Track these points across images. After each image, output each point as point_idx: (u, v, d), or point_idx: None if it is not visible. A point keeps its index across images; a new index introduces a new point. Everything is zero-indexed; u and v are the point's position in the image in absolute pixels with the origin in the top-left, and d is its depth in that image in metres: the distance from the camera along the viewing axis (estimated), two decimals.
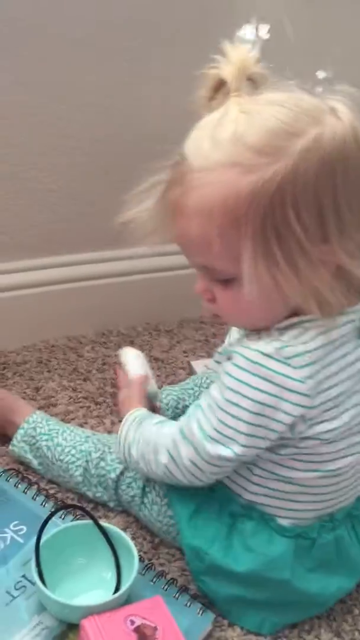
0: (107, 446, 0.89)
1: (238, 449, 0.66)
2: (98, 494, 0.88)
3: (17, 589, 0.75)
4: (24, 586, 0.75)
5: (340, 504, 0.74)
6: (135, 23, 1.11)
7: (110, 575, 0.75)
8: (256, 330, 0.67)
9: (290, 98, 0.60)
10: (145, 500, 0.83)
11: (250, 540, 0.72)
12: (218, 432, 0.66)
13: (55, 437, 0.92)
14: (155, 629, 0.67)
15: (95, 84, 1.13)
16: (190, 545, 0.75)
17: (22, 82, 1.08)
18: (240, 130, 0.59)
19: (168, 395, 1.03)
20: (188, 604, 0.75)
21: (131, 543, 0.75)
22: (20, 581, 0.76)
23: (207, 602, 0.76)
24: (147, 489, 0.83)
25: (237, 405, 0.65)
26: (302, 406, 0.64)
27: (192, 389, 1.03)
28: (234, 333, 0.77)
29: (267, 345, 0.63)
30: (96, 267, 1.27)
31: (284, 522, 0.72)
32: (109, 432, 1.03)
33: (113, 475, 0.86)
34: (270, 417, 0.64)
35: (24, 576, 0.77)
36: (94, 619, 0.67)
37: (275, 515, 0.73)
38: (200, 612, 0.75)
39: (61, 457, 0.90)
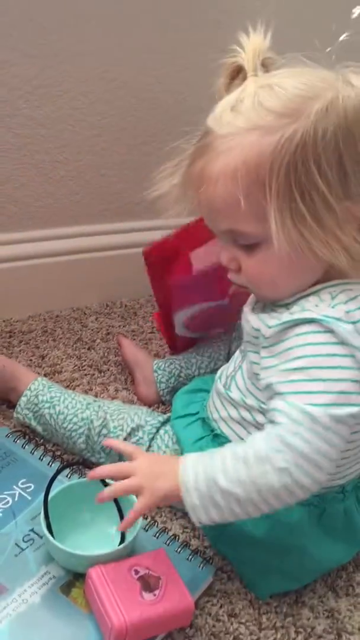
0: (108, 413, 0.90)
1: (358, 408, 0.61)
2: (102, 460, 0.91)
3: (25, 542, 0.78)
4: (32, 539, 0.78)
5: (351, 476, 0.76)
6: None
7: (114, 530, 0.78)
8: (281, 303, 0.67)
9: (305, 71, 0.63)
10: None
11: None
12: (333, 393, 0.61)
13: (57, 405, 0.94)
14: (158, 578, 0.70)
15: (104, 58, 1.14)
16: None
17: (31, 54, 1.09)
18: (259, 99, 0.62)
19: (171, 364, 1.06)
20: (189, 558, 0.78)
21: (135, 498, 0.78)
22: (29, 534, 0.79)
23: (208, 557, 0.79)
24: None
25: (332, 367, 0.62)
26: None
27: (195, 357, 1.06)
28: (250, 316, 0.73)
29: (334, 310, 0.63)
30: (101, 239, 1.29)
31: None
32: (113, 398, 1.06)
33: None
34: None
35: (32, 530, 0.79)
36: (99, 568, 0.70)
37: None
38: (201, 566, 0.78)
39: (64, 425, 0.92)
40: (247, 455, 0.62)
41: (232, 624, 0.74)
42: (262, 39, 0.64)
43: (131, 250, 1.31)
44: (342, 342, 0.62)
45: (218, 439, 0.79)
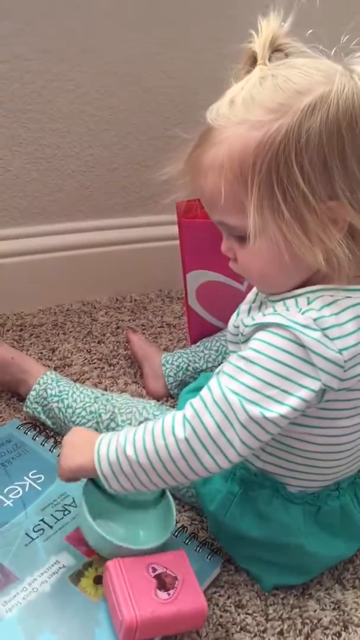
0: (116, 407, 0.91)
1: (282, 409, 0.62)
2: None
3: (35, 532, 0.79)
4: (42, 529, 0.80)
5: (347, 474, 0.77)
6: None
7: (142, 533, 0.78)
8: (276, 296, 0.67)
9: (310, 62, 0.62)
10: None
11: (265, 508, 0.74)
12: (258, 392, 0.62)
13: (66, 399, 0.94)
14: (175, 578, 0.70)
15: (116, 53, 1.15)
16: (208, 510, 0.78)
17: (43, 49, 1.10)
18: (253, 92, 0.61)
19: (179, 357, 1.06)
20: (198, 550, 0.79)
21: (170, 497, 0.78)
22: (39, 524, 0.80)
23: (216, 548, 0.80)
24: None
25: (273, 371, 0.62)
26: (336, 377, 0.63)
27: (203, 351, 1.06)
28: (243, 312, 0.74)
29: (302, 316, 0.62)
30: (111, 233, 1.30)
31: (293, 490, 0.75)
32: (122, 391, 1.07)
33: None
34: (301, 383, 0.62)
35: (42, 520, 0.81)
36: (118, 561, 0.71)
37: (286, 483, 0.75)
38: (209, 557, 0.78)
39: (72, 419, 0.93)
40: (155, 427, 0.66)
41: (239, 614, 0.75)
42: (277, 25, 0.63)
43: (141, 245, 1.32)
44: (303, 348, 0.61)
45: None
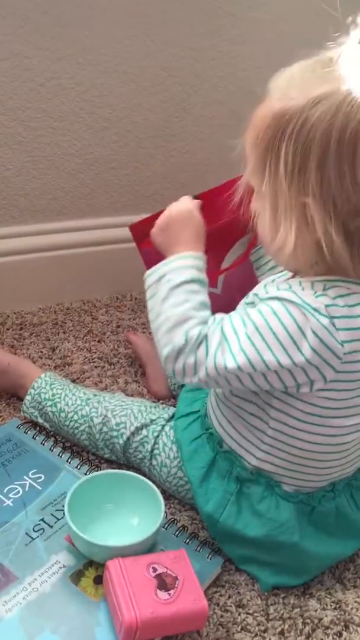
0: (109, 410, 0.90)
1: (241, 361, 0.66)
2: (106, 455, 0.91)
3: (35, 531, 0.79)
4: (42, 529, 0.79)
5: (343, 475, 0.77)
6: None
7: (137, 521, 0.79)
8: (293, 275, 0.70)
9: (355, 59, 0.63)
10: (154, 462, 0.86)
11: (258, 506, 0.75)
12: (245, 357, 0.65)
13: (58, 403, 0.93)
14: (175, 578, 0.70)
15: (116, 51, 1.14)
16: (204, 511, 0.78)
17: (43, 47, 1.09)
18: (308, 66, 0.64)
19: None
20: (198, 549, 0.79)
21: (157, 490, 0.79)
22: (39, 524, 0.80)
23: (217, 547, 0.80)
24: (155, 452, 0.85)
25: (275, 327, 0.65)
26: (331, 366, 0.65)
27: None
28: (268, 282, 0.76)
29: (315, 299, 0.64)
30: (111, 232, 1.29)
31: (288, 489, 0.75)
32: (123, 390, 1.07)
33: (120, 440, 0.88)
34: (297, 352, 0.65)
35: (42, 519, 0.81)
36: (118, 561, 0.71)
37: (281, 482, 0.75)
38: (210, 557, 0.78)
39: (66, 423, 0.92)
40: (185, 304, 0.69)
41: (239, 614, 0.75)
42: None
43: None
44: (302, 329, 0.64)
45: (212, 439, 0.80)
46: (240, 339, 0.66)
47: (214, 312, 0.72)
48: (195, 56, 1.20)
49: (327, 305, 0.64)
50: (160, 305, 0.71)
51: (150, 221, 0.90)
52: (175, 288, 0.70)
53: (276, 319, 0.65)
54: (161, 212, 0.88)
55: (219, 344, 0.67)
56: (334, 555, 0.79)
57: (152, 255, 0.82)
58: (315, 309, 0.64)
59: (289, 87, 0.63)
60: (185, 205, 0.78)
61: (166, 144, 1.26)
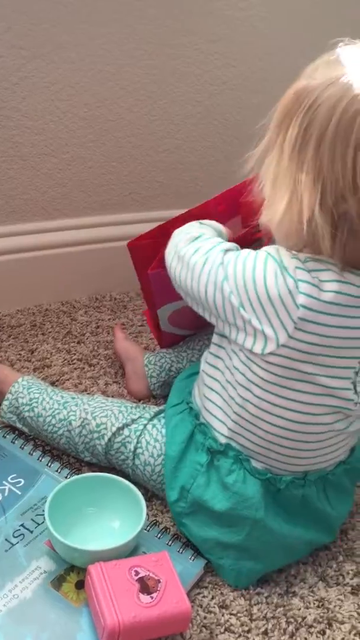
0: (88, 412, 0.89)
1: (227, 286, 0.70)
2: (87, 458, 0.90)
3: (15, 537, 0.78)
4: (22, 534, 0.78)
5: (315, 466, 0.77)
6: None
7: (118, 524, 0.78)
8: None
9: None
10: (137, 462, 0.85)
11: (226, 479, 0.76)
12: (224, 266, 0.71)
13: (36, 407, 0.92)
14: (158, 581, 0.70)
15: (91, 49, 1.13)
16: (177, 486, 0.78)
17: (17, 45, 1.08)
18: (332, 58, 0.65)
19: (162, 358, 1.05)
20: (181, 551, 0.78)
21: (139, 492, 0.78)
22: (19, 529, 0.79)
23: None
24: (138, 451, 0.85)
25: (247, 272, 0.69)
26: (284, 327, 0.67)
27: (185, 351, 1.05)
28: None
29: (289, 260, 0.68)
30: (89, 231, 1.28)
31: (258, 465, 0.76)
32: (103, 392, 1.06)
33: (102, 442, 0.87)
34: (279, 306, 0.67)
35: (22, 525, 0.79)
36: (100, 565, 0.70)
37: (250, 457, 0.76)
38: (193, 558, 0.78)
39: (44, 427, 0.91)
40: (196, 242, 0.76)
41: (223, 615, 0.74)
42: None
43: (120, 243, 1.29)
44: (269, 278, 0.67)
45: (192, 413, 0.81)
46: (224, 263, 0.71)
47: (207, 322, 0.74)
48: (171, 54, 1.19)
49: (297, 268, 0.67)
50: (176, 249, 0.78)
51: (148, 238, 0.90)
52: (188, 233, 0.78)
53: (252, 261, 0.69)
54: (157, 228, 0.88)
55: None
56: (296, 537, 0.78)
57: (163, 278, 0.83)
58: (285, 267, 0.67)
59: (316, 69, 0.65)
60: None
61: (143, 143, 1.25)
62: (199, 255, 0.74)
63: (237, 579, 0.78)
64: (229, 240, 0.80)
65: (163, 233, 0.89)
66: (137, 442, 0.85)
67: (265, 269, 0.68)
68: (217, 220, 0.85)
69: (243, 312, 0.69)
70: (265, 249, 0.70)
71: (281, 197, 0.66)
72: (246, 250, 0.72)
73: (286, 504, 0.77)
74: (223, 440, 0.77)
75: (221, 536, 0.77)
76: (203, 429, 0.79)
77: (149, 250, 0.90)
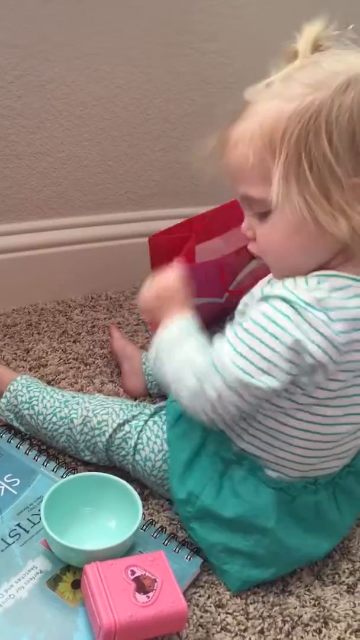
0: (90, 410, 0.89)
1: (271, 381, 0.65)
2: (87, 457, 0.90)
3: (11, 537, 0.78)
4: (18, 534, 0.78)
5: (326, 471, 0.77)
6: None
7: (114, 524, 0.78)
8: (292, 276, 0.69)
9: (348, 52, 0.64)
10: (138, 457, 0.85)
11: (238, 487, 0.75)
12: (251, 363, 0.66)
13: (36, 405, 0.92)
14: (154, 581, 0.69)
15: (86, 47, 1.13)
16: (185, 490, 0.78)
17: (12, 44, 1.08)
18: (292, 72, 0.64)
19: None
20: (177, 550, 0.78)
21: (135, 492, 0.78)
22: (15, 529, 0.79)
23: (195, 548, 0.79)
24: (139, 446, 0.85)
25: (270, 340, 0.65)
26: (331, 359, 0.64)
27: None
28: (256, 289, 0.76)
29: (308, 294, 0.64)
30: (85, 231, 1.28)
31: (271, 474, 0.76)
32: (99, 391, 1.06)
33: (103, 438, 0.87)
34: (301, 353, 0.64)
35: (18, 525, 0.79)
36: (96, 565, 0.70)
37: (264, 466, 0.76)
38: (189, 558, 0.78)
39: (44, 426, 0.91)
40: (195, 361, 0.70)
41: (219, 614, 0.74)
42: (321, 26, 0.65)
43: (116, 242, 1.31)
44: (300, 326, 0.63)
45: (213, 437, 0.79)
46: (237, 348, 0.67)
47: (214, 315, 0.72)
48: (167, 53, 1.19)
49: (320, 299, 0.64)
50: (167, 361, 0.73)
51: (168, 233, 0.90)
52: (173, 340, 0.73)
53: (268, 320, 0.65)
54: (180, 224, 0.87)
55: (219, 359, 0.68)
56: (305, 552, 0.78)
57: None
58: (308, 304, 0.63)
59: (284, 88, 0.63)
60: (172, 281, 0.79)
61: (139, 142, 1.25)
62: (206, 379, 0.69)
63: (241, 586, 0.77)
64: (225, 256, 0.78)
65: (186, 228, 0.90)
66: (138, 438, 0.85)
67: (288, 318, 0.64)
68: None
69: (286, 376, 0.66)
70: (268, 294, 0.66)
71: (325, 213, 0.62)
72: (247, 321, 0.67)
73: (301, 514, 0.76)
74: (237, 449, 0.76)
75: (229, 541, 0.76)
76: (215, 437, 0.78)
77: (169, 246, 0.91)
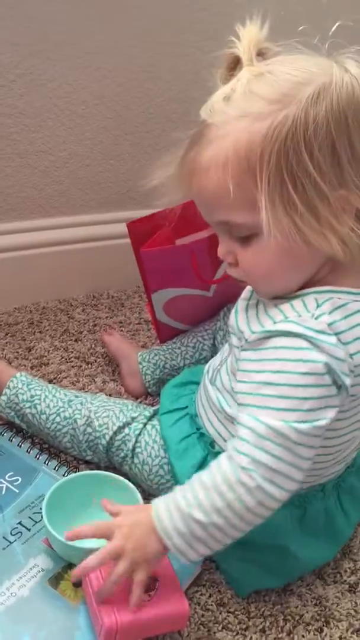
0: (92, 411, 0.88)
1: (326, 415, 0.62)
2: (88, 457, 0.90)
3: (13, 535, 0.78)
4: (20, 532, 0.78)
5: (332, 475, 0.76)
6: None
7: None
8: (279, 298, 0.66)
9: (300, 57, 0.62)
10: (136, 461, 0.85)
11: None
12: (301, 411, 0.61)
13: (38, 404, 0.91)
14: (155, 580, 0.69)
15: (89, 46, 1.13)
16: None
17: (13, 42, 1.07)
18: (250, 86, 0.60)
19: (156, 355, 1.05)
20: None
21: (137, 491, 0.78)
22: (16, 527, 0.79)
23: None
24: (137, 450, 0.85)
25: (304, 385, 0.62)
26: (348, 378, 0.63)
27: (180, 348, 1.05)
28: (242, 310, 0.72)
29: (316, 321, 0.62)
30: (87, 229, 1.28)
31: None
32: (101, 390, 1.06)
33: (104, 441, 0.87)
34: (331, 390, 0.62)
35: (19, 523, 0.79)
36: None
37: None
38: None
39: (47, 425, 0.90)
40: (216, 483, 0.62)
41: (220, 613, 0.74)
42: (258, 29, 0.63)
43: (118, 241, 1.30)
44: (322, 355, 0.61)
45: (203, 439, 0.78)
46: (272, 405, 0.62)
47: (206, 311, 0.69)
48: (168, 51, 1.19)
49: (330, 324, 0.62)
50: (216, 520, 0.63)
51: (146, 218, 0.90)
52: (189, 514, 0.63)
53: (287, 361, 0.62)
54: (157, 213, 0.87)
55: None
56: (317, 559, 0.79)
57: (157, 258, 0.81)
58: (319, 332, 0.61)
59: (248, 105, 0.60)
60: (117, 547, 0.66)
61: (141, 141, 1.25)
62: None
63: (242, 587, 0.77)
64: (196, 241, 0.72)
65: (163, 217, 0.90)
66: (136, 441, 0.85)
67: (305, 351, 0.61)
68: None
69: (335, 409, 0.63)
70: (284, 331, 0.63)
71: (315, 233, 0.60)
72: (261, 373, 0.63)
73: (312, 524, 0.75)
74: None
75: (243, 553, 0.74)
76: (220, 453, 0.74)
77: (147, 230, 0.91)
